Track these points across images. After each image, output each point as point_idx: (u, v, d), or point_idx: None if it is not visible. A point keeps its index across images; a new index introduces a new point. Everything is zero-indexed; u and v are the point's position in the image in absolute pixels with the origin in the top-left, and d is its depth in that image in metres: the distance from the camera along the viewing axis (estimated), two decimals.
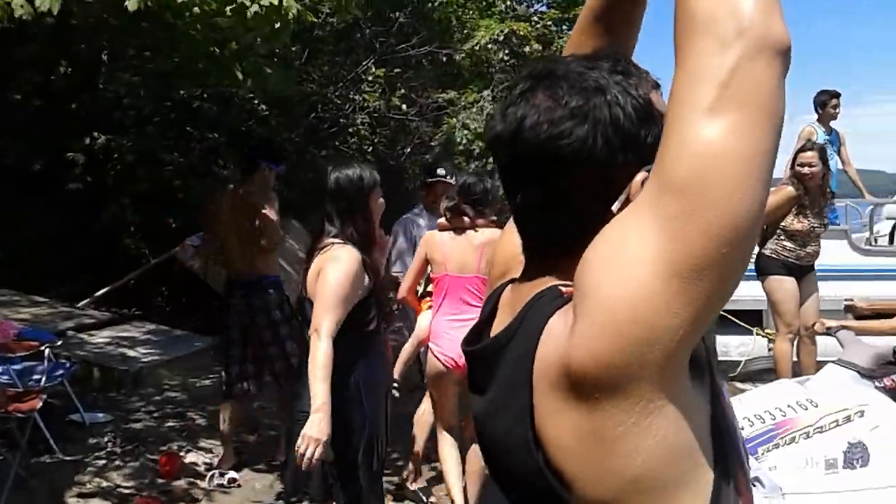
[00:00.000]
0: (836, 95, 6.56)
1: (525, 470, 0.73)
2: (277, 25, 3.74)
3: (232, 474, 4.06)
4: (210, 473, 4.08)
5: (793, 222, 4.76)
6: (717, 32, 0.64)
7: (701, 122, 0.64)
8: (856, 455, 3.02)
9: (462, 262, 3.48)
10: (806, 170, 4.71)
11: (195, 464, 4.28)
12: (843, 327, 3.64)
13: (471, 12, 8.64)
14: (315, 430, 2.33)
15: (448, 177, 4.14)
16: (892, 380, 3.32)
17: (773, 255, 4.81)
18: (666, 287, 0.63)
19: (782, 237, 4.81)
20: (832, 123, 6.59)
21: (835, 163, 6.47)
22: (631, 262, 0.65)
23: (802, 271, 4.87)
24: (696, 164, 0.63)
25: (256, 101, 7.40)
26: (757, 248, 4.73)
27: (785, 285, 4.80)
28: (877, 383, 3.32)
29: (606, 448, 0.66)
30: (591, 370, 0.66)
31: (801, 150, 4.86)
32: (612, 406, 0.65)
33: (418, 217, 4.41)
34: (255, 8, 3.59)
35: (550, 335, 0.73)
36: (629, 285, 0.64)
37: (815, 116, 6.56)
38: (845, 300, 4.61)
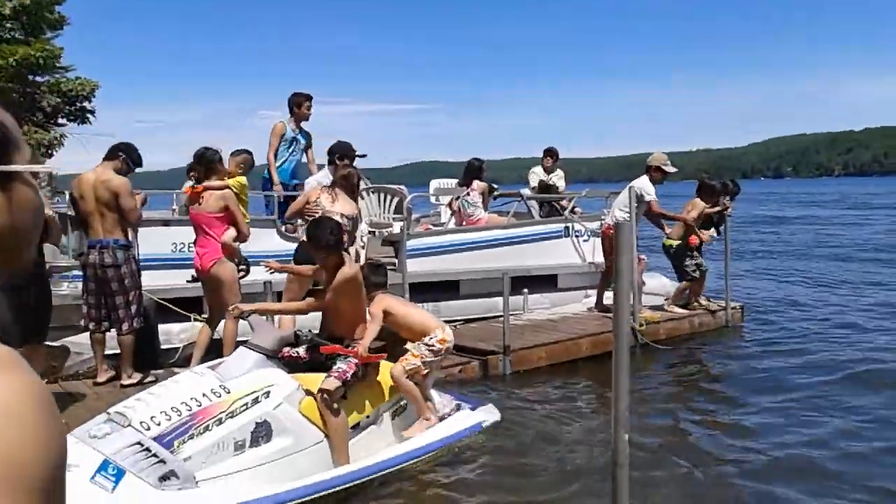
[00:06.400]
0: (309, 98, 7.21)
1: None
2: None
3: None
4: None
5: None
6: None
7: None
8: (261, 433, 3.42)
9: None
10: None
11: None
12: (256, 311, 4.01)
13: None
14: None
15: None
16: (288, 352, 3.81)
17: None
18: None
19: None
20: (303, 124, 7.26)
21: (302, 158, 7.32)
22: None
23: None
24: None
25: None
26: None
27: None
28: (280, 363, 3.76)
29: None
30: None
31: None
32: None
33: None
34: None
35: None
36: None
37: (288, 115, 7.14)
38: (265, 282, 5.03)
